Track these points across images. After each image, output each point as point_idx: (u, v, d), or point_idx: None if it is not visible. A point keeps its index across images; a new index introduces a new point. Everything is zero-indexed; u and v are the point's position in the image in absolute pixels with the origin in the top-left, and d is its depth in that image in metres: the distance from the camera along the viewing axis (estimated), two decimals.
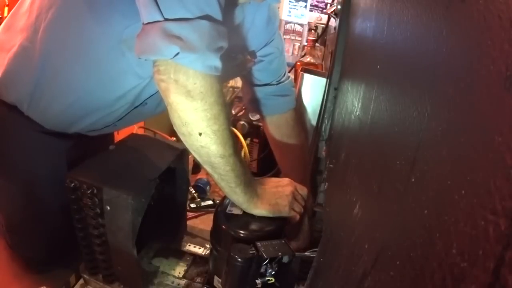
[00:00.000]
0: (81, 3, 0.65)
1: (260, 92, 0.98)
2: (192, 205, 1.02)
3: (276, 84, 0.97)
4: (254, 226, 0.65)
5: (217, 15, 0.55)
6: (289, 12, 1.91)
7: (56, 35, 0.67)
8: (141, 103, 0.77)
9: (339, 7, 0.99)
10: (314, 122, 1.10)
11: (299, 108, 1.08)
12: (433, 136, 0.23)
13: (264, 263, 0.59)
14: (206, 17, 0.53)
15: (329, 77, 0.90)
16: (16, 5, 0.73)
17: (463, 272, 0.16)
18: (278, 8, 1.77)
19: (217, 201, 1.01)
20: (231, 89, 1.45)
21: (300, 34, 1.94)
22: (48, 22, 0.66)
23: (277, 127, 1.01)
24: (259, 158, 1.22)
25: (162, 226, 0.79)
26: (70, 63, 0.69)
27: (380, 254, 0.28)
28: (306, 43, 1.60)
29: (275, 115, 1.00)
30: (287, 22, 1.92)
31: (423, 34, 0.27)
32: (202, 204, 1.03)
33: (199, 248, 0.82)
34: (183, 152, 0.75)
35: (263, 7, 0.84)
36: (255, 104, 1.01)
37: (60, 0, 0.66)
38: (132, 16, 0.57)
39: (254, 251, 0.58)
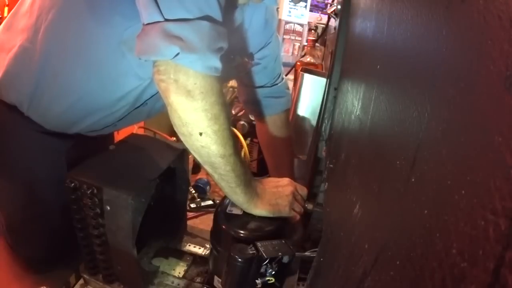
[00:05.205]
0: (82, 5, 0.65)
1: (254, 93, 0.98)
2: (192, 205, 1.02)
3: (270, 86, 0.98)
4: (254, 226, 0.65)
5: (217, 16, 0.55)
6: (289, 12, 1.91)
7: (57, 36, 0.67)
8: (141, 104, 0.77)
9: (339, 7, 0.99)
10: (314, 122, 1.11)
11: (293, 110, 1.08)
12: (433, 136, 0.23)
13: (264, 263, 0.59)
14: (206, 18, 0.53)
15: (329, 77, 0.90)
16: (16, 5, 0.73)
17: (463, 272, 0.16)
18: (278, 8, 1.77)
19: (217, 201, 1.01)
20: (231, 89, 1.45)
21: (300, 34, 1.94)
22: (48, 23, 0.66)
23: (267, 126, 1.02)
24: (259, 158, 1.22)
25: (162, 226, 0.79)
26: (71, 64, 0.69)
27: (380, 254, 0.28)
28: (306, 43, 1.60)
29: (267, 116, 1.01)
30: (287, 22, 1.92)
31: (423, 34, 0.27)
32: (202, 204, 1.03)
33: (199, 248, 0.82)
34: (183, 152, 0.75)
35: (260, 9, 0.84)
36: (249, 105, 1.02)
37: (61, 1, 0.66)
38: (133, 17, 0.57)
39: (254, 251, 0.58)
